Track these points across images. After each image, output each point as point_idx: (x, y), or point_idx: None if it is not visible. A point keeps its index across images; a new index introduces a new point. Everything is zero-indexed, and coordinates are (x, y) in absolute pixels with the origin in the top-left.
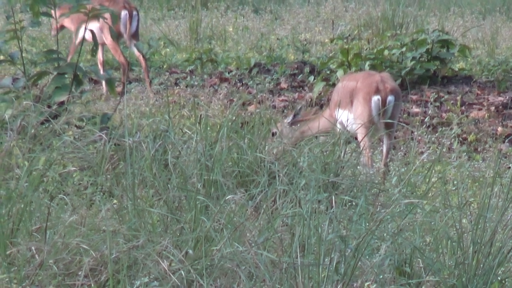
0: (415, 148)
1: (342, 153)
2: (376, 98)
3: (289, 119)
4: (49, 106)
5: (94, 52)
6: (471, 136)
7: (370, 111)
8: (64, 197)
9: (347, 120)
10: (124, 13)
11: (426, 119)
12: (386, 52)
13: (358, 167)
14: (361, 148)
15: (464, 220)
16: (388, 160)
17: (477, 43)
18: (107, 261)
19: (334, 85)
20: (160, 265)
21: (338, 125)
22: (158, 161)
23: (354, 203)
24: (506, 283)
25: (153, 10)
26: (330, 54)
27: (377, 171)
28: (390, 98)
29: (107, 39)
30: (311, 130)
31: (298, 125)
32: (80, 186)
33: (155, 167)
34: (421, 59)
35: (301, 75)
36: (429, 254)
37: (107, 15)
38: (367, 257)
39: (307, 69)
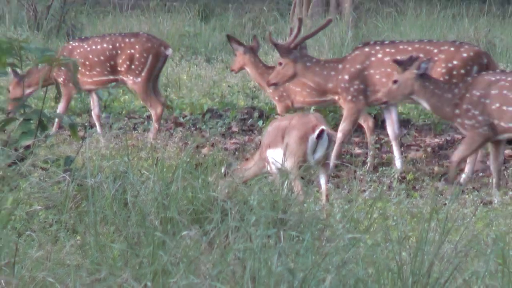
0: (357, 187)
1: (290, 192)
2: (312, 137)
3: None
4: (16, 150)
5: (57, 99)
6: (409, 175)
7: (306, 149)
8: (31, 233)
9: (279, 157)
10: None
11: (368, 159)
12: None
13: (305, 204)
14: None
15: (403, 253)
16: (327, 193)
17: None
18: None
19: None
20: None
21: (271, 165)
22: (118, 200)
23: (301, 238)
24: None
25: None
26: None
27: (322, 208)
28: (325, 137)
29: None
30: (249, 172)
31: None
32: (46, 224)
33: (115, 205)
34: None
35: (250, 120)
36: (371, 285)
37: None
38: None
39: (256, 114)
